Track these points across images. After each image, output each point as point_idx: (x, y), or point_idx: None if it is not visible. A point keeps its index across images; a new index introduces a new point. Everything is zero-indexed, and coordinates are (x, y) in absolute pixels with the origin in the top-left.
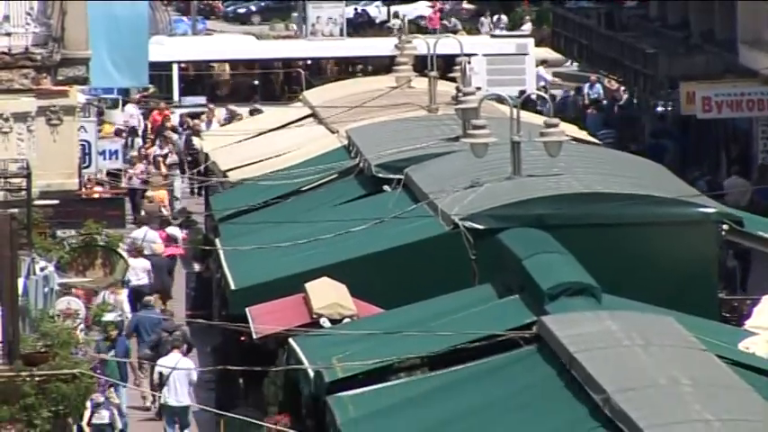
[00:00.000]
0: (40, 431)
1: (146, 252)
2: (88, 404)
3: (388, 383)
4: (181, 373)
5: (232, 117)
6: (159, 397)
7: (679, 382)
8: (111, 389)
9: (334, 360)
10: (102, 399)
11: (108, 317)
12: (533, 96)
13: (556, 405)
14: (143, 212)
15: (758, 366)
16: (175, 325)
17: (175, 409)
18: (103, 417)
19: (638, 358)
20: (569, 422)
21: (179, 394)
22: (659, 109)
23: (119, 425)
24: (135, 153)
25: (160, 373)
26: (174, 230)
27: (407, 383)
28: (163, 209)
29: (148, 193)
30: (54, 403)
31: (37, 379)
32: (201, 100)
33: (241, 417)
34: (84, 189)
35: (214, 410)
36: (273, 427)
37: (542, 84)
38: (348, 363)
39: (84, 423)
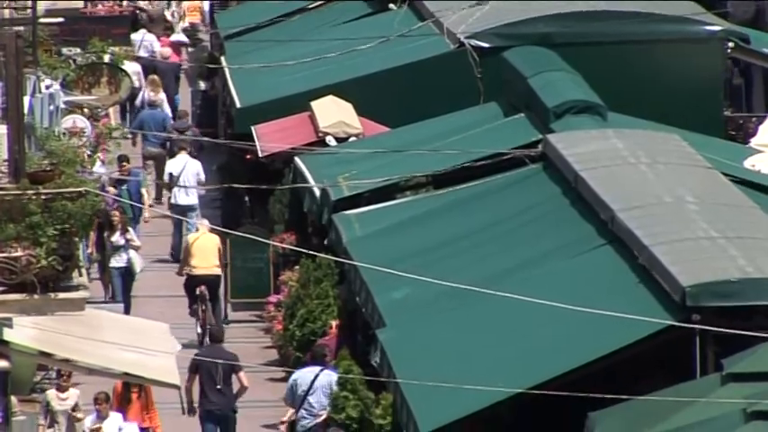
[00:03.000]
0: (47, 249)
1: (142, 54)
2: (108, 247)
3: (394, 202)
4: (190, 172)
5: None
6: (170, 197)
7: (684, 200)
8: (131, 231)
9: (339, 178)
10: (122, 242)
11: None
12: None
13: (562, 223)
14: (145, 15)
15: (764, 184)
16: (187, 125)
17: (184, 207)
18: (123, 260)
19: (644, 176)
20: (576, 240)
21: (188, 193)
22: None
23: (137, 268)
24: None
25: (170, 174)
26: (180, 37)
27: (413, 202)
28: (176, 17)
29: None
30: (60, 221)
31: (43, 197)
32: None
33: (247, 235)
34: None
35: (220, 228)
36: (279, 245)
37: None
38: (354, 181)
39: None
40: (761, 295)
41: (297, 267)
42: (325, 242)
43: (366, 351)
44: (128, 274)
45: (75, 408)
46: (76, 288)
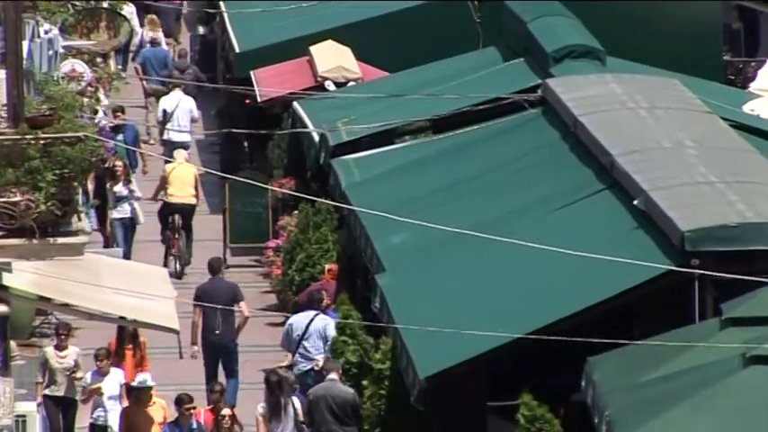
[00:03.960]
0: (46, 194)
1: None
2: (109, 197)
3: (393, 146)
4: (184, 109)
5: None
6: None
7: (684, 145)
8: (134, 183)
9: (338, 123)
10: (125, 192)
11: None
12: None
13: (561, 168)
14: None
15: (762, 129)
16: (187, 64)
17: (177, 143)
18: (126, 211)
19: (643, 121)
20: (575, 185)
21: (182, 130)
22: None
23: (141, 220)
24: None
25: (164, 110)
26: None
27: (412, 146)
28: None
29: None
30: (59, 166)
31: (42, 142)
32: None
33: (246, 179)
34: None
35: (218, 173)
36: (278, 190)
37: None
38: (353, 126)
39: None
40: (760, 240)
41: (296, 212)
42: (326, 187)
43: (365, 296)
44: (131, 224)
45: (75, 367)
46: (75, 233)
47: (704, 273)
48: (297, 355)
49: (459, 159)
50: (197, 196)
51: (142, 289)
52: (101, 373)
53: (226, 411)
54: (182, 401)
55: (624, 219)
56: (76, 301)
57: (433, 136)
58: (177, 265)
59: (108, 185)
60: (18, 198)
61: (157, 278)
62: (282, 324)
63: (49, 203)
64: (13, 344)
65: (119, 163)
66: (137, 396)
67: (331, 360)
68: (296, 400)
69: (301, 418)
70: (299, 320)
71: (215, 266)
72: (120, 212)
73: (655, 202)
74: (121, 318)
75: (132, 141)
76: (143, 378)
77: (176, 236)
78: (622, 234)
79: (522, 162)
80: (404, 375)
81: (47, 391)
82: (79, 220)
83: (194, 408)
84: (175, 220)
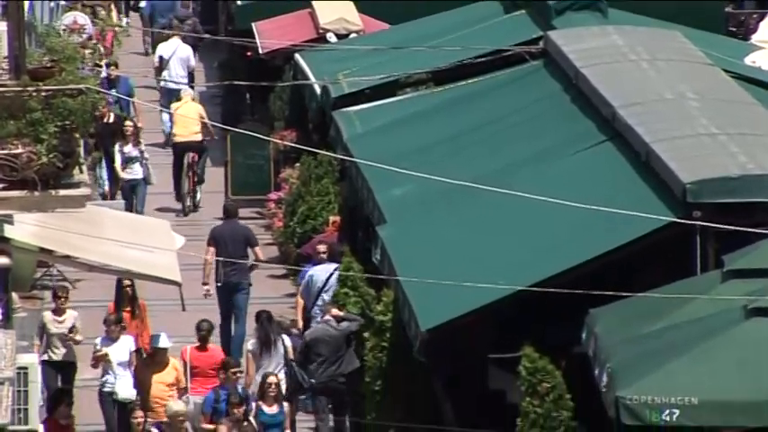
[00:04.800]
0: (47, 146)
1: None
2: (118, 158)
3: (394, 99)
4: (180, 58)
5: None
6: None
7: (685, 97)
8: (142, 139)
9: (340, 75)
10: (135, 152)
11: None
12: None
13: (563, 120)
14: None
15: (764, 80)
16: (187, 14)
17: (174, 91)
18: (137, 171)
19: (645, 73)
20: (577, 136)
21: (178, 78)
22: None
23: (153, 180)
24: None
25: (160, 57)
26: None
27: (414, 98)
28: None
29: None
30: (60, 118)
31: (43, 94)
32: None
33: (247, 131)
34: None
35: (220, 125)
36: (279, 141)
37: None
38: (354, 78)
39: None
40: (761, 191)
41: (297, 164)
42: (328, 139)
43: (367, 248)
44: (143, 185)
45: (71, 330)
46: (77, 185)
47: (706, 224)
48: (314, 308)
49: (461, 111)
50: (208, 133)
51: (144, 241)
52: (110, 339)
53: (272, 379)
54: (228, 365)
55: (626, 170)
56: (78, 253)
57: (435, 88)
58: (191, 196)
59: (118, 146)
60: (20, 150)
61: (160, 230)
62: (284, 277)
63: (50, 155)
64: (14, 296)
65: (129, 123)
66: (151, 357)
67: (328, 303)
68: (286, 338)
69: (291, 355)
70: (319, 273)
71: (230, 210)
72: (130, 174)
73: (656, 154)
74: (123, 271)
75: (126, 95)
76: (160, 337)
77: (190, 173)
78: (624, 186)
79: (523, 114)
80: (405, 327)
81: (45, 357)
82: (81, 172)
83: (241, 372)
84: (190, 161)
